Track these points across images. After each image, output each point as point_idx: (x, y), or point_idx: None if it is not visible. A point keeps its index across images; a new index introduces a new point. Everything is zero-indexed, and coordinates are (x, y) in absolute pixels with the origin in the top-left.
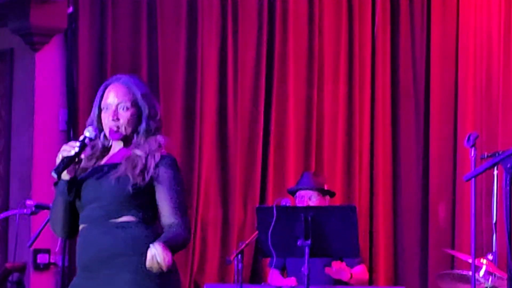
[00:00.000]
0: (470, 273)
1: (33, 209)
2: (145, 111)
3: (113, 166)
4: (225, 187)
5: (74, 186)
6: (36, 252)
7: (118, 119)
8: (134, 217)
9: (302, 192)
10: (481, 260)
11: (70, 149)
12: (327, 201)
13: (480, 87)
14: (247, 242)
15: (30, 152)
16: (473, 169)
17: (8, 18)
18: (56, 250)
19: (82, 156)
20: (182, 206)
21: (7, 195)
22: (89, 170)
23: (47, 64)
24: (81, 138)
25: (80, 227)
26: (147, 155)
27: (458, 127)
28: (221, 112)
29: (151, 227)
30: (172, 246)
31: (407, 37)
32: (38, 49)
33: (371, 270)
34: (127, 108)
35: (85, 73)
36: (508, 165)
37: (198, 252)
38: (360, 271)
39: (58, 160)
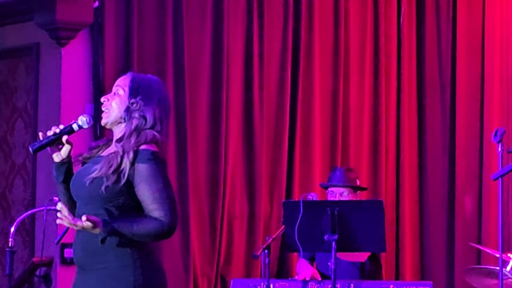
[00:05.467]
0: (497, 267)
1: None
2: (136, 105)
3: (99, 161)
4: (251, 181)
5: (68, 173)
6: (63, 246)
7: (107, 100)
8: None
9: (334, 189)
10: (508, 254)
11: (54, 130)
12: (359, 196)
13: (506, 78)
14: (273, 236)
15: None
16: (500, 164)
17: (34, 13)
18: None
19: (64, 140)
20: (162, 201)
21: (34, 190)
22: (89, 160)
23: (73, 58)
24: (72, 123)
25: None
26: (124, 153)
27: (485, 118)
28: (247, 104)
29: None
30: (126, 231)
31: (433, 28)
32: (64, 44)
33: (397, 264)
34: (118, 94)
35: (111, 67)
36: None
37: (225, 246)
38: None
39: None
